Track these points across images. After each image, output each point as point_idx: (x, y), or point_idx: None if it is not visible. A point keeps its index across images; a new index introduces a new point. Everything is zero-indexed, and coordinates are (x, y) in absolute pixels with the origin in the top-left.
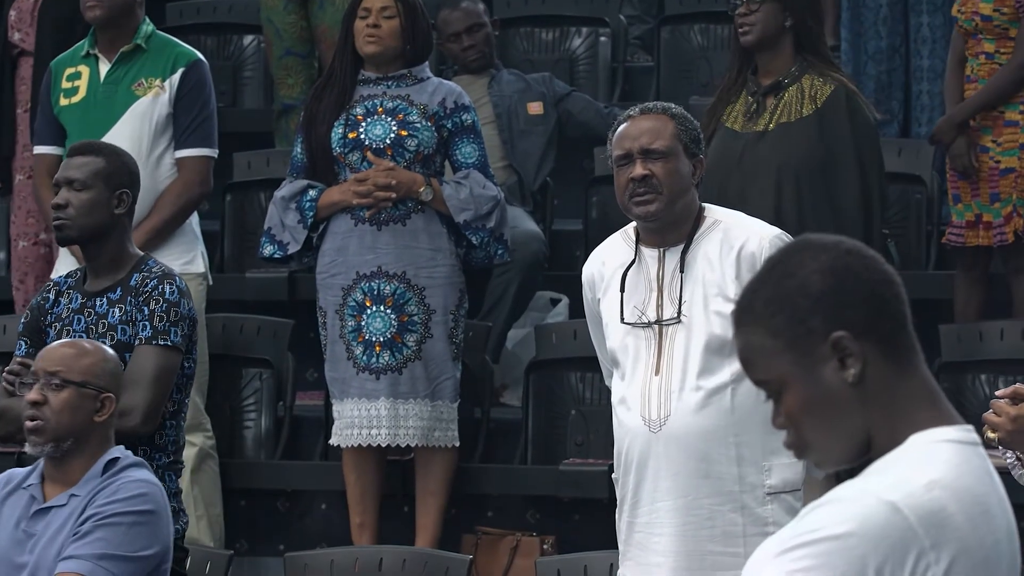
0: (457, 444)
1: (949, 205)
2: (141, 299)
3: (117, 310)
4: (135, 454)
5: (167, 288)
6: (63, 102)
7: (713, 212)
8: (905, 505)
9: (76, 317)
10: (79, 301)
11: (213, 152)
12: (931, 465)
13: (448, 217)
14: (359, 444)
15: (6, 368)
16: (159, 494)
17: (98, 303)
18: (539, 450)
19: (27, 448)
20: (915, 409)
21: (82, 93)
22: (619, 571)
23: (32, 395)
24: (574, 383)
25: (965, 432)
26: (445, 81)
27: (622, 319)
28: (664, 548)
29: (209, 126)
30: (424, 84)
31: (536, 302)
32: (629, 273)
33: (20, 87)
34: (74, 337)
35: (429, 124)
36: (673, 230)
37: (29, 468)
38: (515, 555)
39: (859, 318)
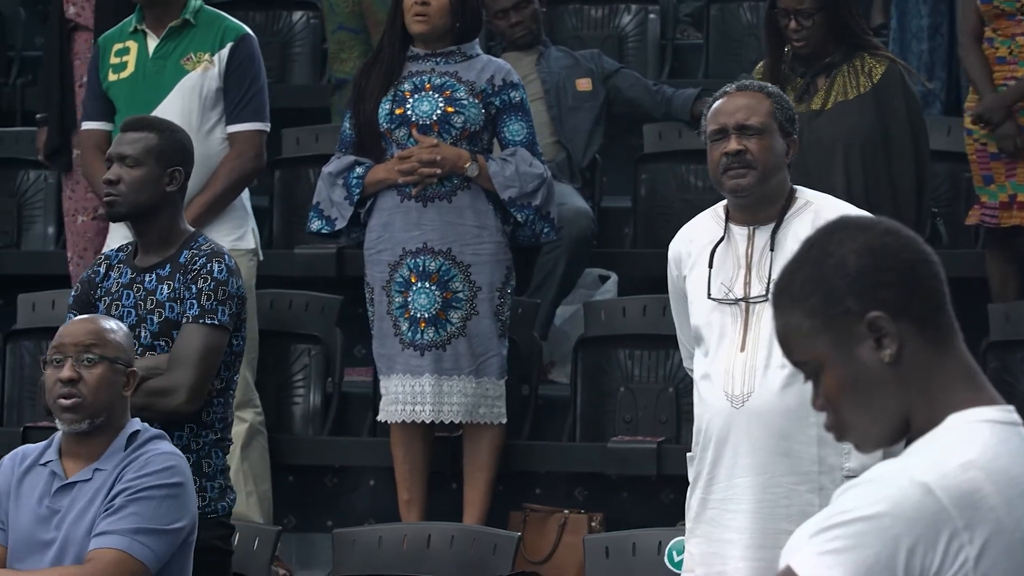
0: (504, 421)
1: (977, 186)
2: (189, 277)
3: (166, 287)
4: (182, 432)
5: (215, 266)
6: (112, 77)
7: (804, 193)
8: (938, 486)
9: (125, 292)
10: (128, 276)
11: (265, 126)
12: (968, 445)
13: (495, 194)
14: (403, 420)
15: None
16: (185, 466)
17: (147, 279)
18: (587, 427)
19: (59, 425)
20: (953, 389)
21: (131, 68)
22: (687, 547)
23: (67, 372)
24: (623, 360)
25: (1005, 412)
26: (494, 58)
27: (709, 295)
28: (739, 525)
29: (260, 100)
30: (473, 61)
31: (585, 279)
32: (718, 250)
33: (76, 62)
34: (122, 313)
35: (476, 101)
36: (764, 208)
37: (42, 444)
38: (563, 532)
39: (896, 298)
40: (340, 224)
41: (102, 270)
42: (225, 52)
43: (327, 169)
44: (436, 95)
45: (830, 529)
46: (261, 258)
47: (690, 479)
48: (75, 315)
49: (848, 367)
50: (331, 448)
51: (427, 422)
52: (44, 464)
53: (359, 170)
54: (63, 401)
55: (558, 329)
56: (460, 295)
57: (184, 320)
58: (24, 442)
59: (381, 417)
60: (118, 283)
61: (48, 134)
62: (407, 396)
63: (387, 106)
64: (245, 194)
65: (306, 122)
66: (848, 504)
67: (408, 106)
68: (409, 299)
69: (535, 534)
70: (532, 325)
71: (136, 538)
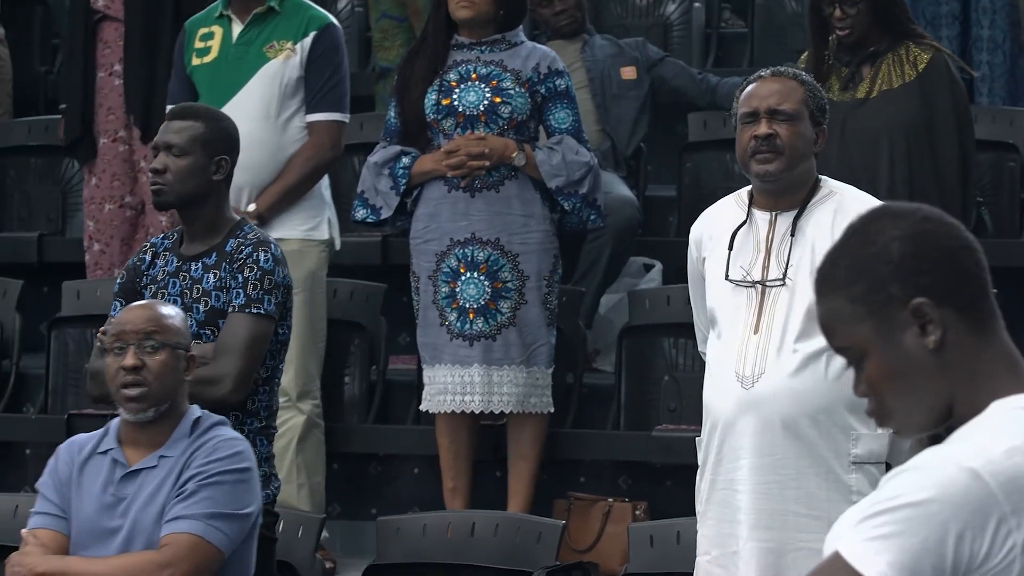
0: (552, 410)
1: None
2: (235, 266)
3: (211, 276)
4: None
5: (261, 256)
6: (195, 62)
7: (828, 183)
8: (986, 471)
9: (171, 280)
10: (174, 264)
11: (344, 117)
12: (1012, 432)
13: (542, 183)
14: (452, 411)
15: (100, 329)
16: (251, 451)
17: (193, 267)
18: (631, 416)
19: (124, 415)
20: (996, 376)
21: (214, 53)
22: (700, 530)
23: (130, 359)
24: (667, 349)
25: None
26: (539, 46)
27: (727, 276)
28: (746, 505)
29: (341, 90)
30: (518, 49)
31: (629, 267)
32: (739, 233)
33: (104, 51)
34: (169, 300)
35: (523, 90)
36: (788, 194)
37: (97, 433)
38: (607, 521)
39: (939, 285)
40: (385, 213)
41: (148, 258)
42: (308, 41)
43: (372, 159)
44: (482, 85)
45: (878, 515)
46: (337, 247)
47: (699, 462)
48: (121, 303)
49: (891, 354)
50: (375, 436)
51: (476, 412)
52: (104, 452)
53: (405, 160)
54: (128, 391)
55: (602, 318)
56: (509, 284)
57: (230, 309)
58: (69, 429)
59: (425, 407)
60: (164, 271)
61: (67, 124)
62: (455, 386)
63: (433, 96)
64: (324, 183)
65: (351, 110)
66: (895, 490)
67: (455, 96)
68: (457, 289)
69: (579, 522)
70: (577, 313)
71: (210, 523)
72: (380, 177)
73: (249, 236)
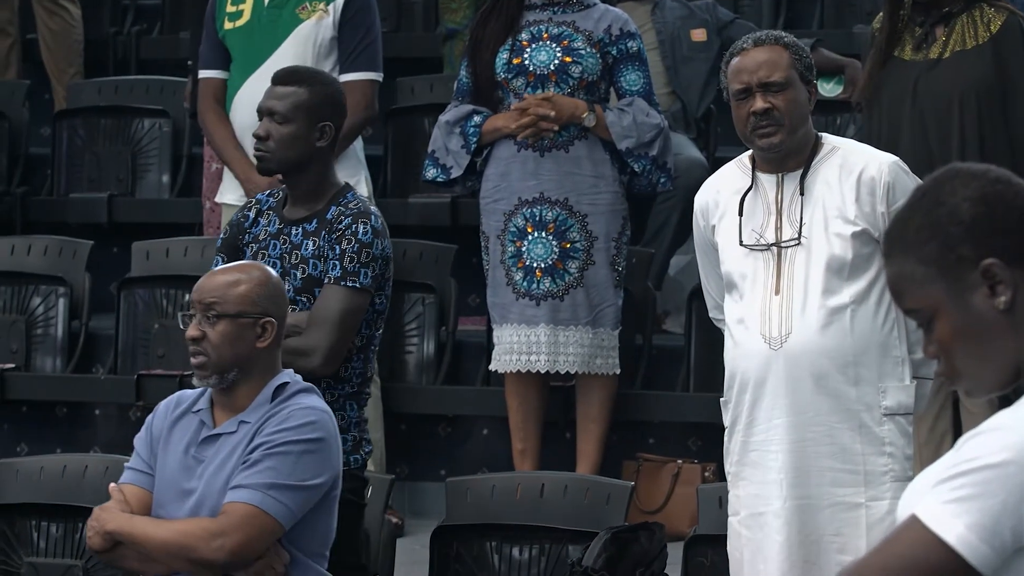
0: (618, 371)
1: None
2: (334, 236)
3: (311, 243)
4: (316, 384)
5: (360, 228)
6: (228, 26)
7: (830, 139)
8: None
9: (272, 242)
10: (276, 226)
11: (378, 76)
12: None
13: (612, 144)
14: (518, 370)
15: None
16: (328, 421)
17: (294, 232)
18: (701, 377)
19: (194, 382)
20: None
21: (246, 17)
22: (731, 491)
23: (191, 331)
24: None
25: None
26: (611, 8)
27: (740, 242)
28: (781, 464)
29: (374, 50)
30: (590, 11)
31: None
32: (747, 198)
33: None
34: (268, 263)
35: (594, 51)
36: (792, 157)
37: (199, 390)
38: (676, 482)
39: (1009, 245)
40: (456, 173)
41: (251, 215)
42: (340, 1)
43: (444, 118)
44: (554, 45)
45: (955, 478)
46: (373, 208)
47: (726, 424)
48: (223, 258)
49: (961, 314)
50: (444, 397)
51: (542, 372)
52: (196, 412)
53: (476, 119)
54: (192, 360)
55: (672, 279)
56: (577, 245)
57: (326, 280)
58: (138, 390)
59: (494, 367)
60: (266, 231)
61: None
62: (522, 346)
63: (504, 55)
64: (358, 143)
65: (420, 71)
66: (972, 452)
67: (526, 56)
68: (523, 249)
69: (648, 484)
70: (646, 275)
71: (269, 493)
72: (451, 136)
73: (350, 206)
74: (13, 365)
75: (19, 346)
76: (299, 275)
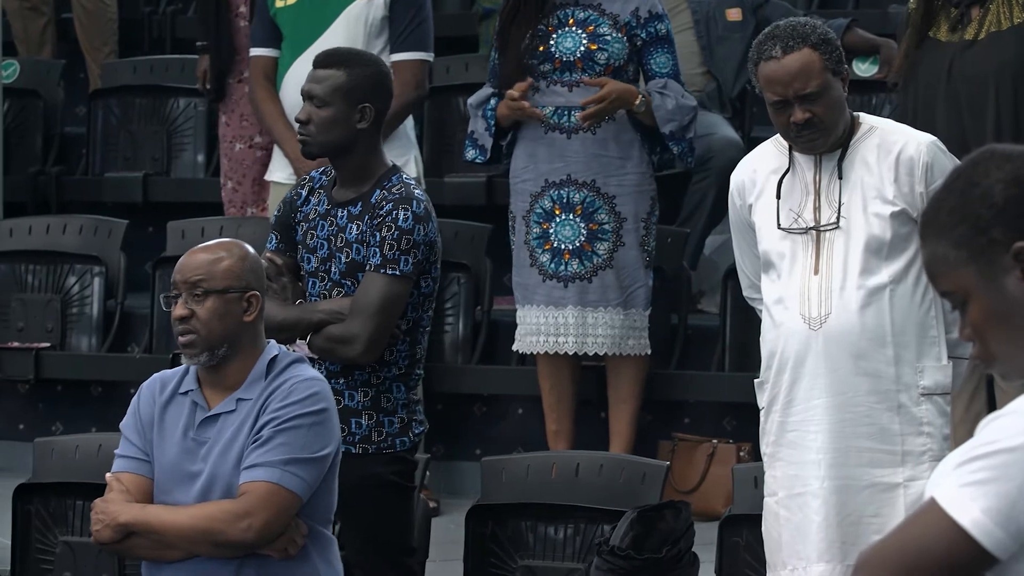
0: (649, 352)
1: None
2: (376, 222)
3: (355, 227)
4: (362, 367)
5: (401, 214)
6: (279, 4)
7: (867, 119)
8: None
9: (321, 222)
10: (325, 206)
11: (429, 56)
12: None
13: (640, 125)
14: (546, 351)
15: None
16: (327, 390)
17: (340, 214)
18: (736, 357)
19: (184, 361)
20: None
21: None
22: (768, 472)
23: (178, 311)
24: None
25: None
26: None
27: (779, 225)
28: (820, 445)
29: (425, 29)
30: None
31: None
32: (785, 179)
33: None
34: (317, 243)
35: (620, 35)
36: (831, 143)
37: (179, 370)
38: (711, 462)
39: None
40: (483, 157)
41: (304, 192)
42: None
43: (470, 100)
44: (579, 31)
45: (973, 461)
46: (423, 187)
47: (762, 405)
48: (277, 236)
49: (994, 298)
50: (479, 377)
51: (569, 353)
52: (184, 394)
53: (493, 102)
54: (180, 339)
55: (707, 259)
56: (606, 226)
57: (368, 268)
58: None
59: (518, 347)
60: (316, 211)
61: (211, 63)
62: (549, 327)
63: (532, 42)
64: (408, 123)
65: (456, 51)
66: (992, 436)
67: (552, 42)
68: (551, 230)
69: (684, 463)
70: (682, 255)
71: (287, 469)
72: (477, 119)
73: (394, 190)
74: (48, 344)
75: (54, 325)
76: (343, 259)
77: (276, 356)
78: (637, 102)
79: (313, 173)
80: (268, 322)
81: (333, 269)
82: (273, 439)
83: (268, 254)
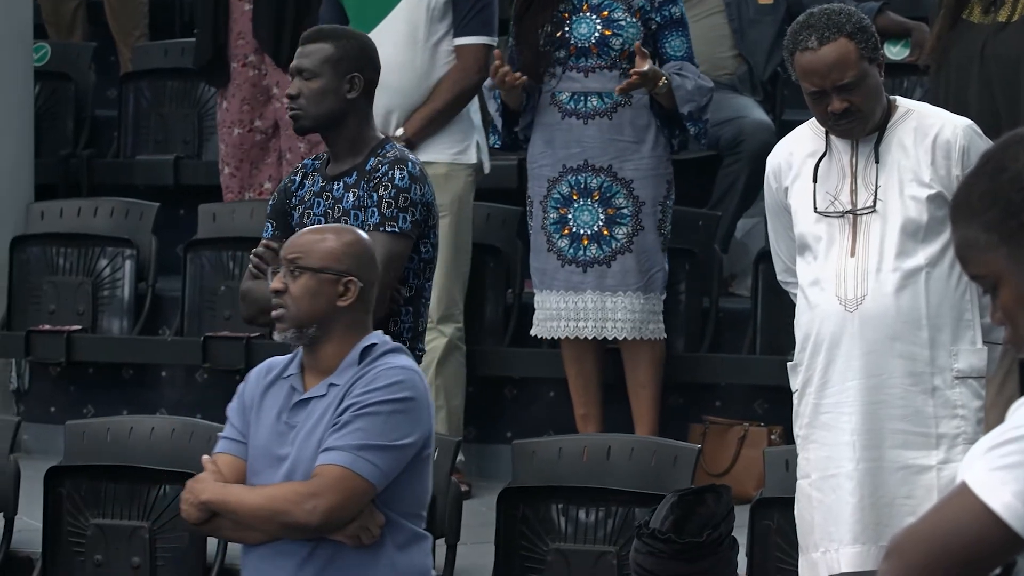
0: (665, 336)
1: None
2: (372, 184)
3: (351, 195)
4: None
5: (396, 173)
6: None
7: (904, 102)
8: None
9: (316, 200)
10: (319, 184)
11: (492, 40)
12: None
13: (656, 109)
14: (566, 336)
15: (253, 251)
16: (418, 380)
17: (335, 187)
18: (767, 340)
19: (275, 335)
20: None
21: None
22: (801, 454)
23: (274, 283)
24: None
25: None
26: None
27: (815, 208)
28: (853, 427)
29: (488, 13)
30: None
31: None
32: (821, 163)
33: None
34: (313, 221)
35: (635, 20)
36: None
37: (288, 357)
38: (743, 445)
39: None
40: (498, 142)
41: (298, 178)
42: None
43: (485, 83)
44: (593, 16)
45: (1004, 445)
46: (487, 171)
47: (795, 387)
48: (272, 224)
49: None
50: (511, 359)
51: (588, 338)
52: (286, 378)
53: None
54: (272, 312)
55: (739, 242)
56: (624, 211)
57: (367, 228)
58: (204, 352)
59: (536, 332)
60: (310, 191)
61: (198, 48)
62: (568, 312)
63: (547, 28)
64: (473, 107)
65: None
66: (1021, 419)
67: (566, 28)
68: (569, 215)
69: (715, 447)
70: (713, 238)
71: (360, 454)
72: (490, 101)
73: (388, 155)
74: (80, 327)
75: (86, 308)
76: None
77: (374, 344)
78: (660, 83)
79: (305, 161)
80: (261, 301)
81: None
82: (351, 424)
83: (263, 241)
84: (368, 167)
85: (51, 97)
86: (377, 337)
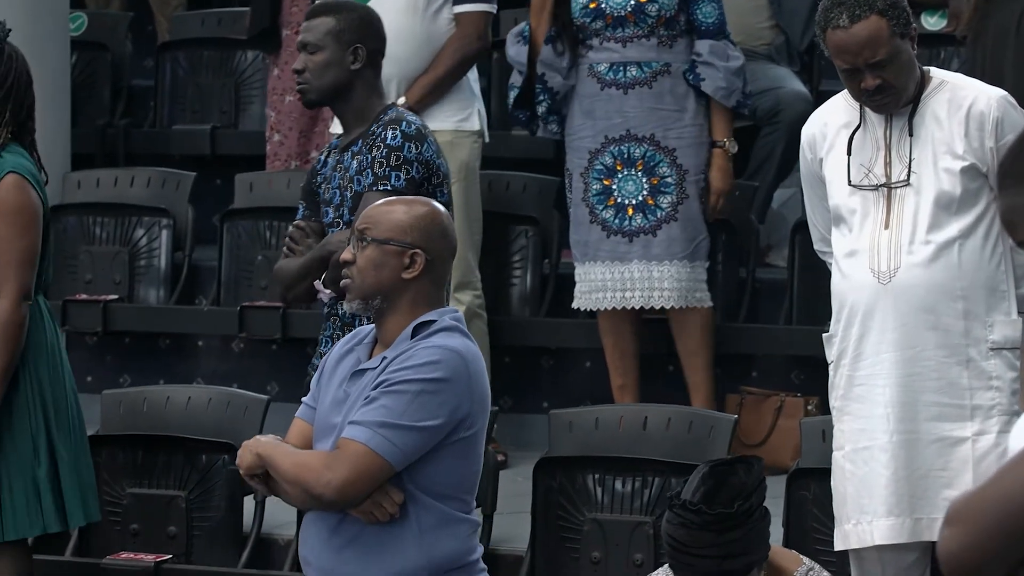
0: (711, 304)
1: None
2: (367, 147)
3: (355, 162)
4: None
5: (388, 133)
6: None
7: (938, 73)
8: None
9: (334, 174)
10: (335, 157)
11: (491, 7)
12: None
13: (696, 78)
14: (612, 307)
15: (287, 231)
16: (458, 361)
17: (346, 157)
18: (804, 310)
19: (344, 305)
20: None
21: None
22: (836, 425)
23: (344, 254)
24: None
25: None
26: None
27: (849, 181)
28: (888, 399)
29: None
30: None
31: None
32: (856, 135)
33: None
34: (332, 194)
35: None
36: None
37: (371, 327)
38: (779, 415)
39: None
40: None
41: (323, 157)
42: None
43: (508, 52)
44: None
45: None
46: (487, 139)
47: (831, 359)
48: (303, 205)
49: None
50: (547, 329)
51: (636, 308)
52: (360, 347)
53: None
54: (340, 283)
55: (776, 212)
56: (668, 179)
57: (363, 190)
58: (241, 321)
59: (578, 304)
60: (330, 166)
61: (253, 15)
62: (615, 283)
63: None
64: (472, 75)
65: (524, 2)
66: None
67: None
68: (613, 186)
69: (751, 417)
70: (750, 208)
71: (379, 432)
72: (516, 74)
73: (384, 118)
74: (116, 296)
75: (122, 277)
76: (348, 195)
77: (431, 321)
78: (727, 145)
79: (332, 141)
80: (288, 278)
81: (344, 211)
82: (377, 400)
83: (295, 222)
84: (370, 132)
85: (88, 67)
86: (436, 314)
